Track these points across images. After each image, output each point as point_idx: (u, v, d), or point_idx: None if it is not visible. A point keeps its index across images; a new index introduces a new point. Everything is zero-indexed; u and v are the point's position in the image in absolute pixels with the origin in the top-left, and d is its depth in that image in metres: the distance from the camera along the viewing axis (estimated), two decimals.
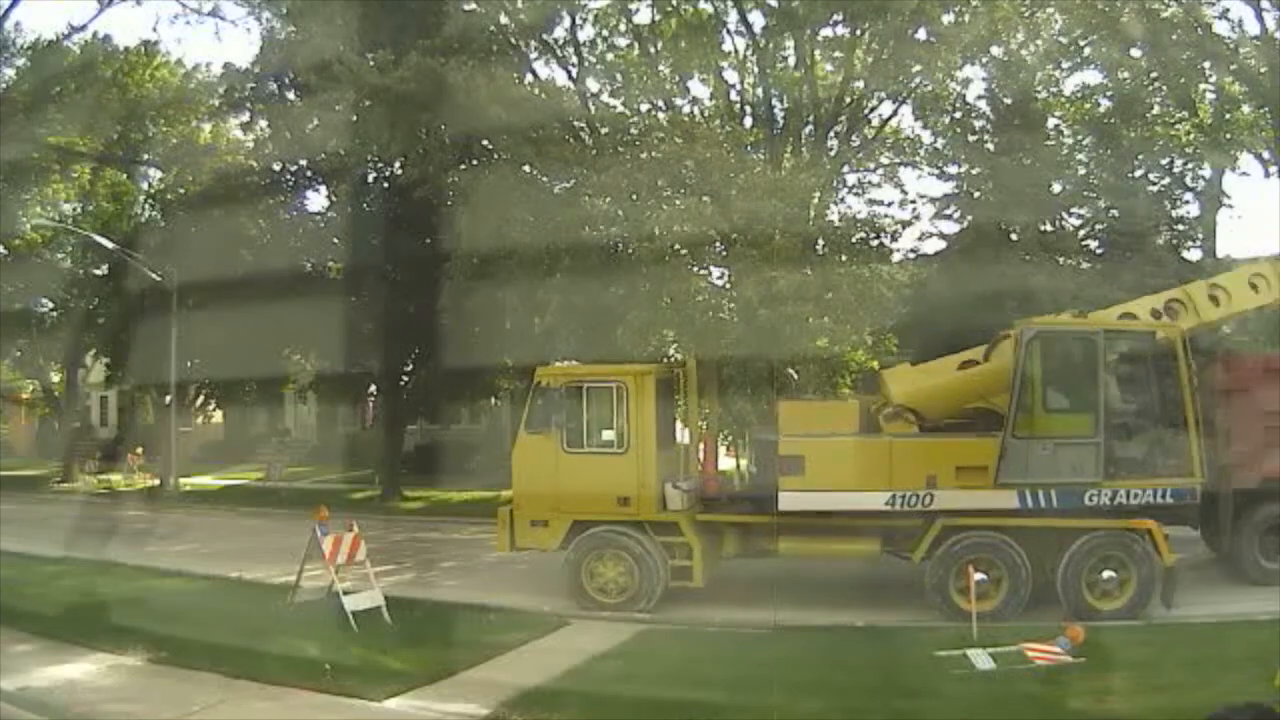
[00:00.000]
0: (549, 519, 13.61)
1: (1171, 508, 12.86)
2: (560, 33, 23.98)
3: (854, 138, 24.61)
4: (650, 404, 13.65)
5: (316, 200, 28.31)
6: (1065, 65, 24.04)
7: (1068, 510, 12.74)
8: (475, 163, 21.44)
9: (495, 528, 14.50)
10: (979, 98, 23.14)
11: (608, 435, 13.95)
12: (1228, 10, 24.49)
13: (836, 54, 23.64)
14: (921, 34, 21.81)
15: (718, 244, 19.46)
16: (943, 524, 12.91)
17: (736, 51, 24.31)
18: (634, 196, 18.86)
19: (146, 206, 30.99)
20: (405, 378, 27.32)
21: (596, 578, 13.54)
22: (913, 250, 23.27)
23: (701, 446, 14.60)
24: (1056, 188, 21.90)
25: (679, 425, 15.09)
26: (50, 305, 32.69)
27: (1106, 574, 12.56)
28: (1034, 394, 13.08)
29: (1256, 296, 14.69)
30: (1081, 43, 23.69)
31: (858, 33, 22.72)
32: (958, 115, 23.16)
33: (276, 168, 26.57)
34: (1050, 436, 12.90)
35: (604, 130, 21.49)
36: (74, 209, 33.04)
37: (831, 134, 24.04)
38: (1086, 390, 13.05)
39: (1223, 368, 15.04)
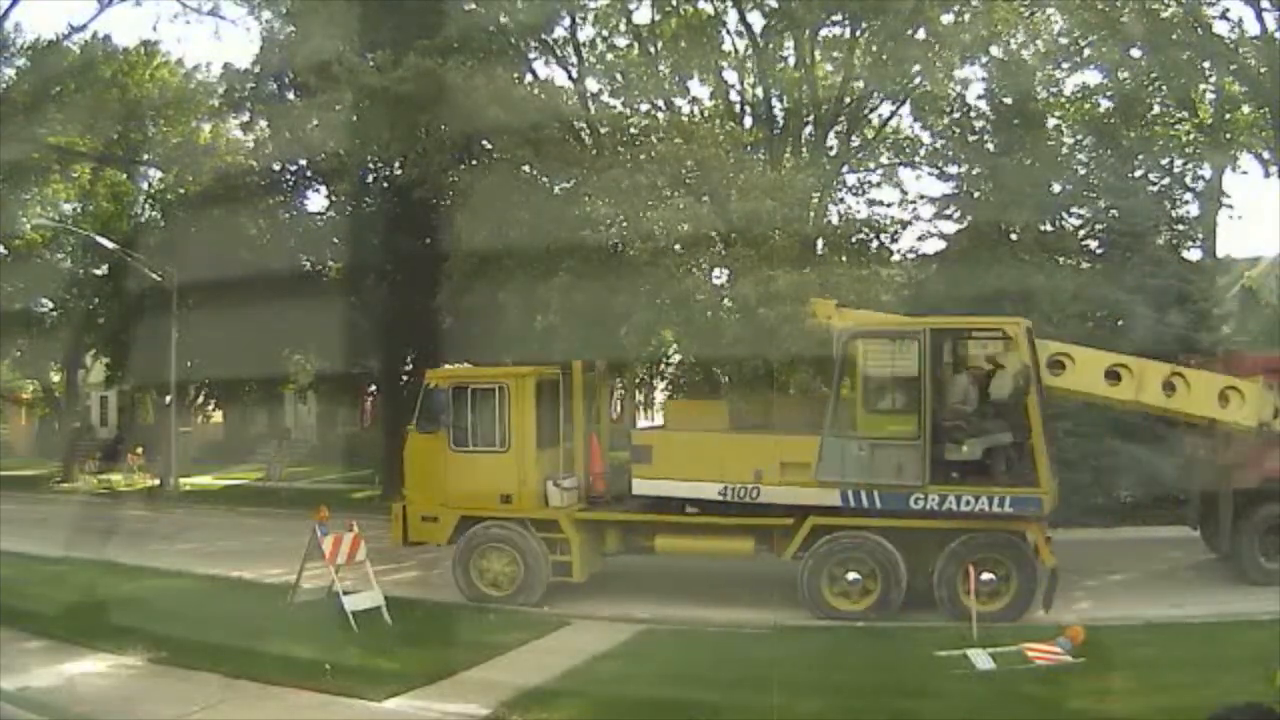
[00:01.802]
0: (439, 514, 14.01)
1: (1013, 518, 12.54)
2: (560, 33, 23.97)
3: (854, 138, 24.59)
4: (530, 405, 14.14)
5: (316, 200, 28.36)
6: (1065, 65, 24.01)
7: (941, 512, 12.60)
8: (475, 163, 21.44)
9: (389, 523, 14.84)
10: (979, 98, 23.12)
11: (491, 435, 14.28)
12: (1228, 10, 24.44)
13: (836, 54, 23.63)
14: (921, 34, 21.79)
15: (717, 244, 19.46)
16: (813, 523, 13.03)
17: (736, 51, 24.30)
18: (634, 197, 18.85)
19: (146, 206, 30.98)
20: (405, 378, 27.31)
21: (485, 572, 13.93)
22: (913, 250, 23.24)
23: (587, 447, 14.79)
24: (1056, 188, 21.82)
25: (574, 425, 15.02)
26: (50, 305, 32.66)
27: (985, 576, 12.35)
28: (854, 393, 13.45)
29: (1216, 409, 13.26)
30: (1081, 43, 23.66)
31: (857, 33, 22.72)
32: (957, 115, 23.11)
33: (276, 168, 26.58)
34: (869, 437, 12.99)
35: (604, 130, 21.49)
36: (74, 209, 33.00)
37: (831, 134, 24.03)
38: (909, 391, 13.10)
39: (1223, 367, 14.95)
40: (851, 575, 12.82)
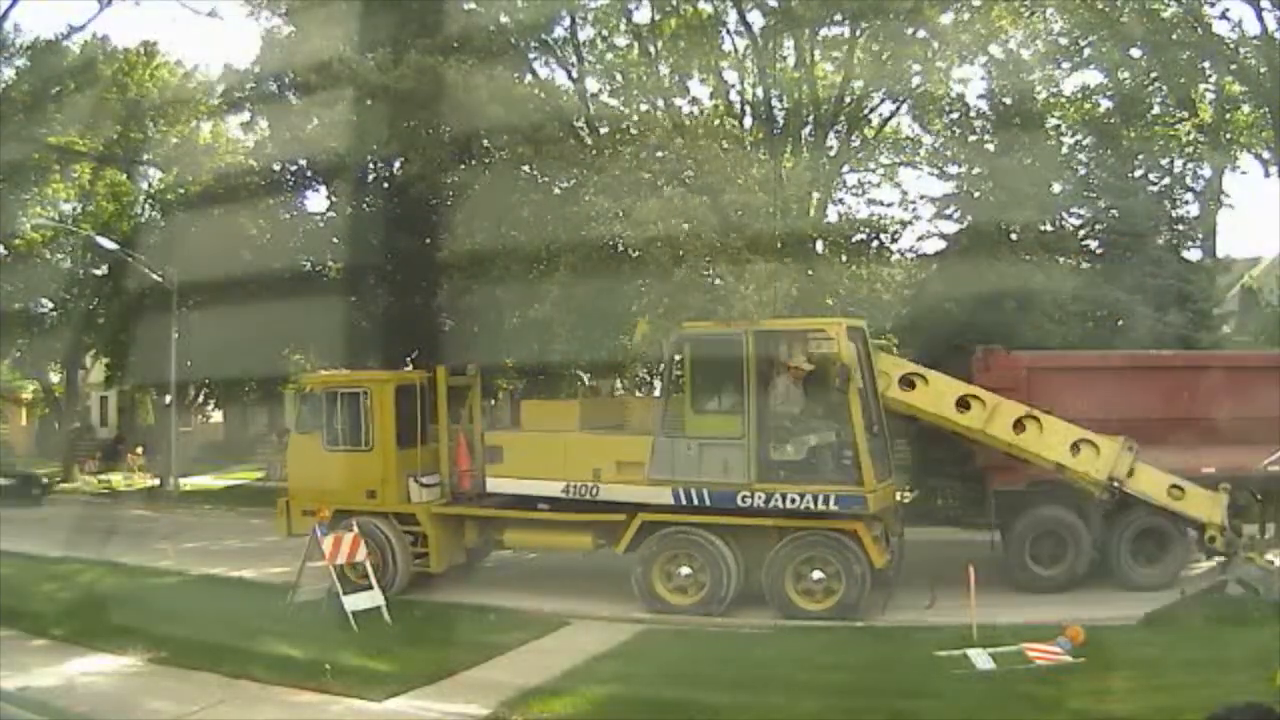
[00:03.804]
0: (316, 509, 14.34)
1: (839, 516, 12.74)
2: (560, 32, 23.94)
3: (854, 138, 24.56)
4: (390, 409, 14.94)
5: (316, 200, 28.29)
6: (1065, 65, 24.01)
7: (769, 509, 12.91)
8: (474, 162, 21.42)
9: (275, 515, 15.64)
10: (979, 97, 23.11)
11: (357, 435, 15.08)
12: (1228, 10, 24.49)
13: (836, 54, 23.61)
14: (921, 34, 21.76)
15: (717, 244, 19.39)
16: (642, 519, 13.38)
17: (736, 51, 24.27)
18: (633, 196, 18.83)
19: (146, 206, 30.94)
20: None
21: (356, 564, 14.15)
22: (913, 250, 23.24)
23: (455, 446, 15.25)
24: (1056, 188, 21.83)
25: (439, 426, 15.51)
26: (50, 305, 32.64)
27: (816, 574, 12.76)
28: (683, 394, 13.91)
29: (1067, 457, 13.32)
30: (1081, 43, 23.65)
31: (857, 33, 22.68)
32: (956, 115, 23.10)
33: (276, 168, 26.52)
34: (697, 437, 13.35)
35: (603, 130, 21.47)
36: (74, 209, 32.97)
37: (831, 134, 24.00)
38: (735, 392, 13.44)
39: (981, 365, 14.61)
40: (684, 570, 13.24)
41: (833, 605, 12.71)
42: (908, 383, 13.91)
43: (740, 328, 13.65)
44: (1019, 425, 13.42)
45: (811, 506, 12.75)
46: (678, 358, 14.02)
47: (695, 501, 13.21)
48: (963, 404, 13.68)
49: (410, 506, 14.75)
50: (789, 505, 12.82)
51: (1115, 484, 13.04)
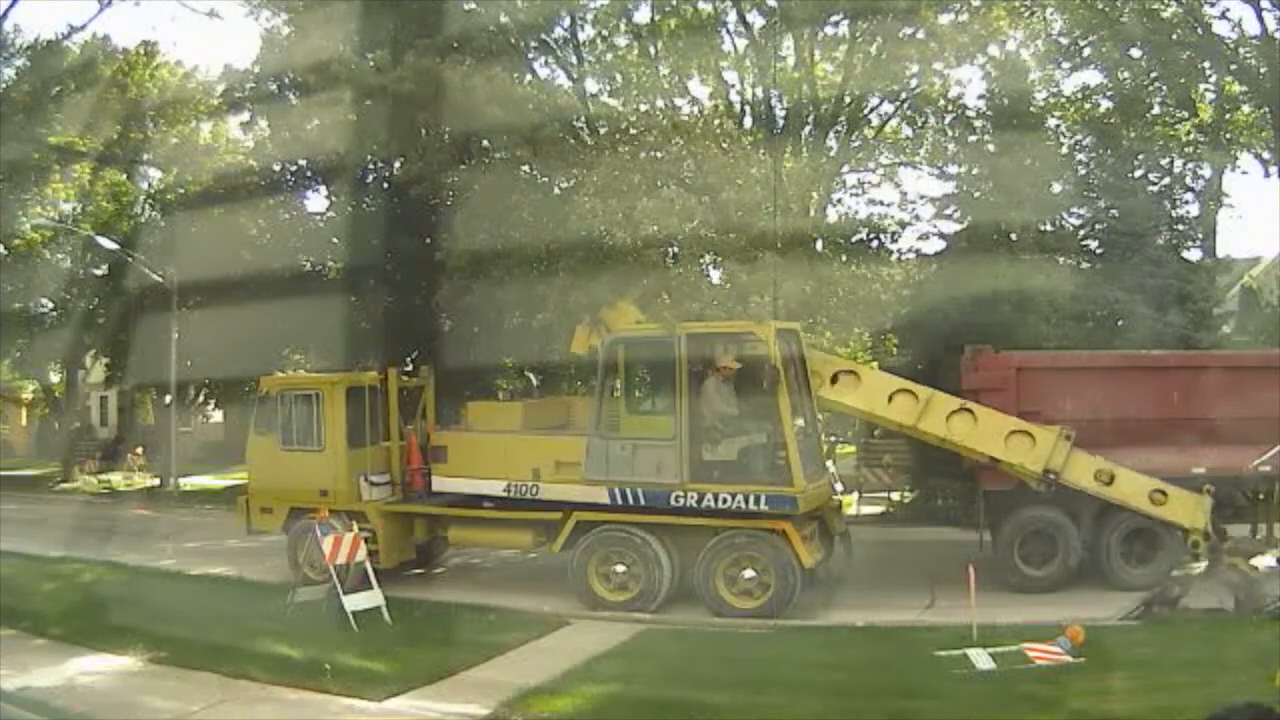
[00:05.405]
0: (273, 507, 14.93)
1: (770, 515, 12.88)
2: (560, 33, 23.95)
3: (854, 138, 24.56)
4: (341, 410, 15.33)
5: (316, 200, 28.29)
6: (1065, 65, 24.01)
7: (701, 509, 13.10)
8: (474, 162, 21.42)
9: (235, 513, 16.27)
10: (979, 98, 23.12)
11: (309, 436, 15.51)
12: (1228, 10, 24.45)
13: (836, 54, 23.62)
14: (919, 34, 21.76)
15: (716, 244, 19.42)
16: (577, 518, 13.61)
17: (736, 51, 24.29)
18: (632, 196, 18.84)
19: (146, 206, 30.94)
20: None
21: (310, 558, 14.23)
22: (913, 250, 23.24)
23: (406, 446, 15.64)
24: (1056, 188, 21.84)
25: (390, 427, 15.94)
26: (50, 305, 32.63)
27: (747, 573, 12.93)
28: (618, 395, 14.21)
29: (1001, 449, 13.36)
30: (1081, 43, 23.65)
31: (856, 34, 22.68)
32: (955, 116, 23.09)
33: (276, 168, 26.52)
34: (630, 437, 13.60)
35: (603, 130, 21.46)
36: (74, 209, 32.95)
37: (831, 134, 24.01)
38: (667, 393, 13.68)
39: (969, 365, 14.61)
40: (619, 568, 13.45)
41: (763, 603, 12.89)
42: (840, 380, 14.04)
43: (672, 330, 13.91)
44: (951, 419, 13.46)
45: (743, 506, 12.94)
46: (612, 360, 14.13)
47: (630, 501, 13.44)
48: (895, 399, 13.78)
49: (360, 504, 15.04)
50: (720, 505, 13.03)
51: (1051, 475, 13.01)
